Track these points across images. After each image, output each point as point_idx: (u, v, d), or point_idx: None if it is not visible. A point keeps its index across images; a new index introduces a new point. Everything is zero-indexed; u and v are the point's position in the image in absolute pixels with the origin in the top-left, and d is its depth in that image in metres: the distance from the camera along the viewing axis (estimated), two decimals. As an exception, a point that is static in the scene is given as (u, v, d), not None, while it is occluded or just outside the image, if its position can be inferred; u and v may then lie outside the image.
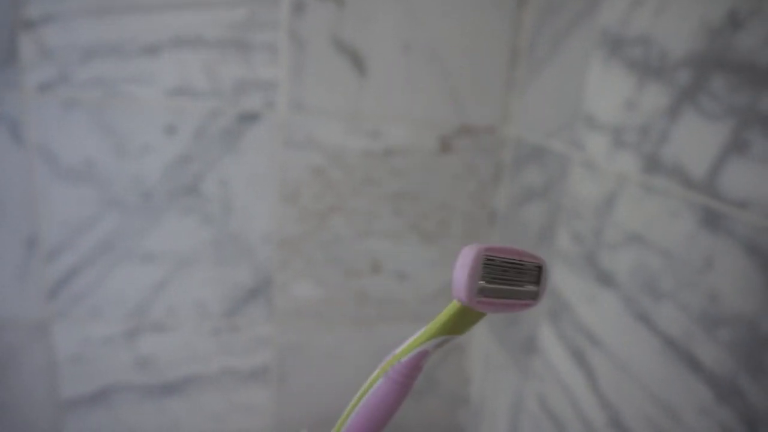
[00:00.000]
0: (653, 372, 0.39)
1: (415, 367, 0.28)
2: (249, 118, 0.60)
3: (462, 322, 0.27)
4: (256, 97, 0.59)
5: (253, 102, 0.59)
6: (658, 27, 0.40)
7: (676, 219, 0.37)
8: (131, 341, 0.65)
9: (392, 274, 0.68)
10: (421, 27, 0.60)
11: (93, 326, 0.63)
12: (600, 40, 0.47)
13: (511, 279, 0.27)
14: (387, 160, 0.63)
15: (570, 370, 0.50)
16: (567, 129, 0.52)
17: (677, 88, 0.38)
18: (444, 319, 0.27)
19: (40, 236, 0.59)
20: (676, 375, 0.37)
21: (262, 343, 0.68)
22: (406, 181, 0.65)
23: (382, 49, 0.60)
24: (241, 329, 0.67)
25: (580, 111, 0.50)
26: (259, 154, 0.61)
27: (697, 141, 0.36)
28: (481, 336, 0.71)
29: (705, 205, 0.35)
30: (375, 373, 0.29)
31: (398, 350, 0.29)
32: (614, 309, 0.44)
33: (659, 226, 0.39)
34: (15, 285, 0.60)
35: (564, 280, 0.51)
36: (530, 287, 0.28)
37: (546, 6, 0.57)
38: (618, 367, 0.43)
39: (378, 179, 0.64)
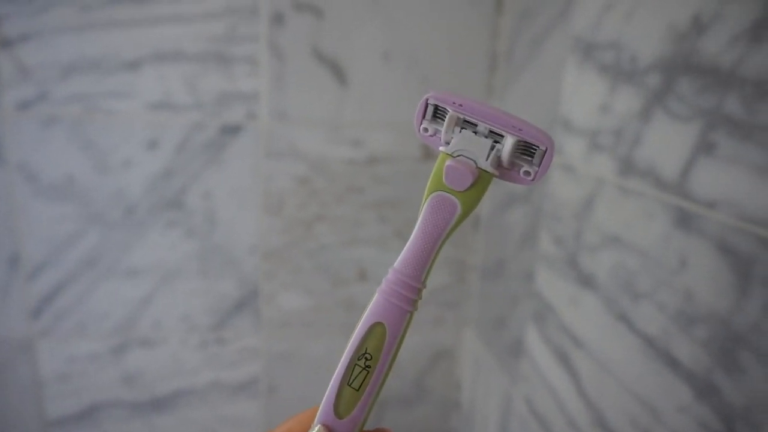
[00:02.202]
0: (634, 372, 0.40)
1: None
2: (231, 130, 0.60)
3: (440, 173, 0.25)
4: (237, 109, 0.59)
5: (235, 114, 0.60)
6: (628, 32, 0.41)
7: (651, 220, 0.38)
8: (118, 357, 0.64)
9: (379, 281, 0.68)
10: (400, 35, 0.60)
11: (78, 343, 0.63)
12: (574, 46, 0.48)
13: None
14: (370, 168, 0.64)
15: (555, 372, 0.50)
16: (545, 133, 0.52)
17: (648, 92, 0.38)
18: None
19: (23, 254, 0.59)
20: (655, 374, 0.38)
21: (251, 355, 0.68)
22: (389, 189, 0.65)
23: (362, 58, 0.60)
24: (229, 341, 0.67)
25: (557, 115, 0.50)
26: (242, 165, 0.61)
27: (667, 143, 0.37)
28: (470, 341, 0.71)
29: (677, 205, 0.36)
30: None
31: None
32: (595, 310, 0.44)
33: (635, 227, 0.40)
34: (-2, 304, 0.60)
35: (548, 283, 0.52)
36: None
37: (522, 12, 0.58)
38: (601, 367, 0.44)
39: (361, 187, 0.64)
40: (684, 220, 0.35)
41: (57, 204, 0.58)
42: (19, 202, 0.57)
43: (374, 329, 0.25)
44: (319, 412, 0.25)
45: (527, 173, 0.25)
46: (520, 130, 0.24)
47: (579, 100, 0.47)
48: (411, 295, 0.26)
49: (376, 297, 0.26)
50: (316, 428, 0.25)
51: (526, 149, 0.25)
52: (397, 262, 0.26)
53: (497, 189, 0.64)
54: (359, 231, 0.66)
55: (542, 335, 0.53)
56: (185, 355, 0.66)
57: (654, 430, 0.38)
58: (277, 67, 0.59)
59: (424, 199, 0.26)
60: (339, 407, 0.25)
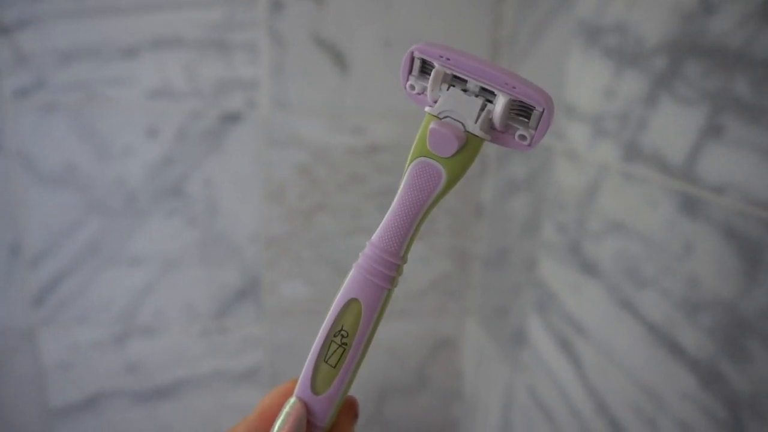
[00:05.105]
0: (638, 359, 0.39)
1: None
2: (231, 118, 0.59)
3: (424, 136, 0.23)
4: (237, 96, 0.59)
5: (235, 102, 0.59)
6: (634, 14, 0.40)
7: (656, 206, 0.37)
8: (120, 346, 0.64)
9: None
10: (401, 22, 0.60)
11: (80, 332, 0.63)
12: (578, 30, 0.47)
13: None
14: (371, 156, 0.63)
15: (558, 361, 0.50)
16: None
17: (653, 75, 0.38)
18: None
19: (24, 243, 0.59)
20: (659, 361, 0.37)
21: (253, 344, 0.68)
22: (391, 177, 0.64)
23: (363, 45, 0.60)
24: (231, 330, 0.67)
25: (561, 101, 0.49)
26: (242, 153, 0.61)
27: (674, 127, 0.36)
28: (472, 330, 0.71)
29: (683, 191, 0.35)
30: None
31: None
32: (599, 298, 0.44)
33: (640, 214, 0.39)
34: None
35: (550, 271, 0.51)
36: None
37: (525, -3, 0.57)
38: (604, 355, 0.43)
39: (363, 176, 0.64)
40: (690, 206, 0.34)
41: (57, 192, 0.58)
42: (20, 190, 0.57)
43: (350, 306, 0.24)
44: (297, 386, 0.25)
45: (523, 137, 0.22)
46: (513, 87, 0.21)
47: (583, 85, 0.46)
48: (389, 271, 0.24)
49: (352, 272, 0.24)
50: (292, 401, 0.24)
51: (522, 110, 0.22)
52: (375, 236, 0.24)
53: (499, 176, 0.63)
54: (361, 220, 0.65)
55: (545, 323, 0.52)
56: (187, 343, 0.66)
57: (658, 418, 0.37)
58: (277, 54, 0.58)
59: (406, 166, 0.24)
60: (316, 384, 0.24)
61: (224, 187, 0.62)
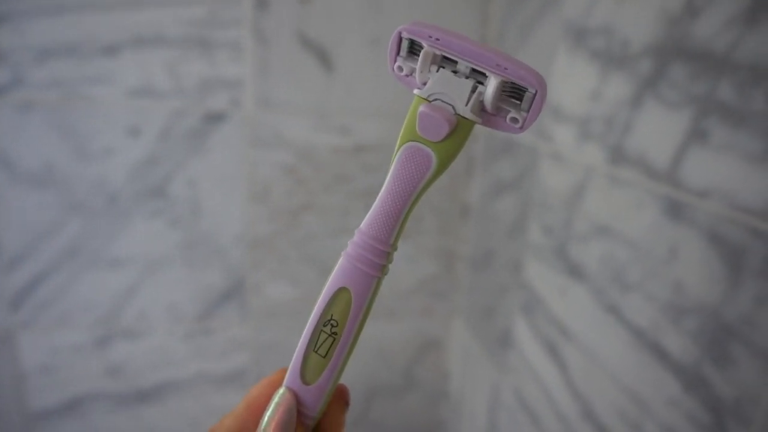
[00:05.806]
0: (623, 364, 0.39)
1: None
2: (215, 117, 0.58)
3: (414, 118, 0.22)
4: (221, 95, 0.58)
5: (219, 101, 0.58)
6: (620, 16, 0.40)
7: (642, 209, 0.37)
8: (102, 348, 0.63)
9: (367, 272, 0.67)
10: (387, 20, 0.59)
11: (61, 335, 0.62)
12: (565, 31, 0.46)
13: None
14: (358, 155, 0.63)
15: (544, 364, 0.50)
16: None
17: (639, 78, 0.37)
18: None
19: (1, 244, 0.57)
20: (644, 366, 0.37)
21: (238, 346, 0.67)
22: (378, 177, 0.64)
23: (349, 43, 0.59)
24: (216, 332, 0.66)
25: (548, 102, 0.49)
26: (226, 153, 0.60)
27: (659, 131, 0.36)
28: (458, 331, 0.71)
29: (668, 195, 0.35)
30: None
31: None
32: (584, 301, 0.44)
33: (625, 217, 0.39)
34: (-23, 295, 0.59)
35: (536, 273, 0.51)
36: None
37: (512, -3, 0.56)
38: (589, 359, 0.43)
39: (349, 175, 0.63)
40: (675, 210, 0.34)
41: (36, 192, 0.57)
42: (-3, 190, 0.56)
43: (339, 295, 0.23)
44: (286, 376, 0.24)
45: (515, 120, 0.22)
46: (505, 69, 0.21)
47: (569, 87, 0.46)
48: (378, 259, 0.23)
49: (341, 260, 0.23)
50: (281, 391, 0.24)
51: (514, 91, 0.22)
52: (364, 223, 0.23)
53: (486, 176, 0.63)
54: (347, 220, 0.65)
55: (531, 326, 0.52)
56: (171, 346, 0.65)
57: (642, 423, 0.37)
58: (261, 53, 0.57)
59: (395, 151, 0.23)
60: (305, 373, 0.24)
61: (208, 188, 0.61)
